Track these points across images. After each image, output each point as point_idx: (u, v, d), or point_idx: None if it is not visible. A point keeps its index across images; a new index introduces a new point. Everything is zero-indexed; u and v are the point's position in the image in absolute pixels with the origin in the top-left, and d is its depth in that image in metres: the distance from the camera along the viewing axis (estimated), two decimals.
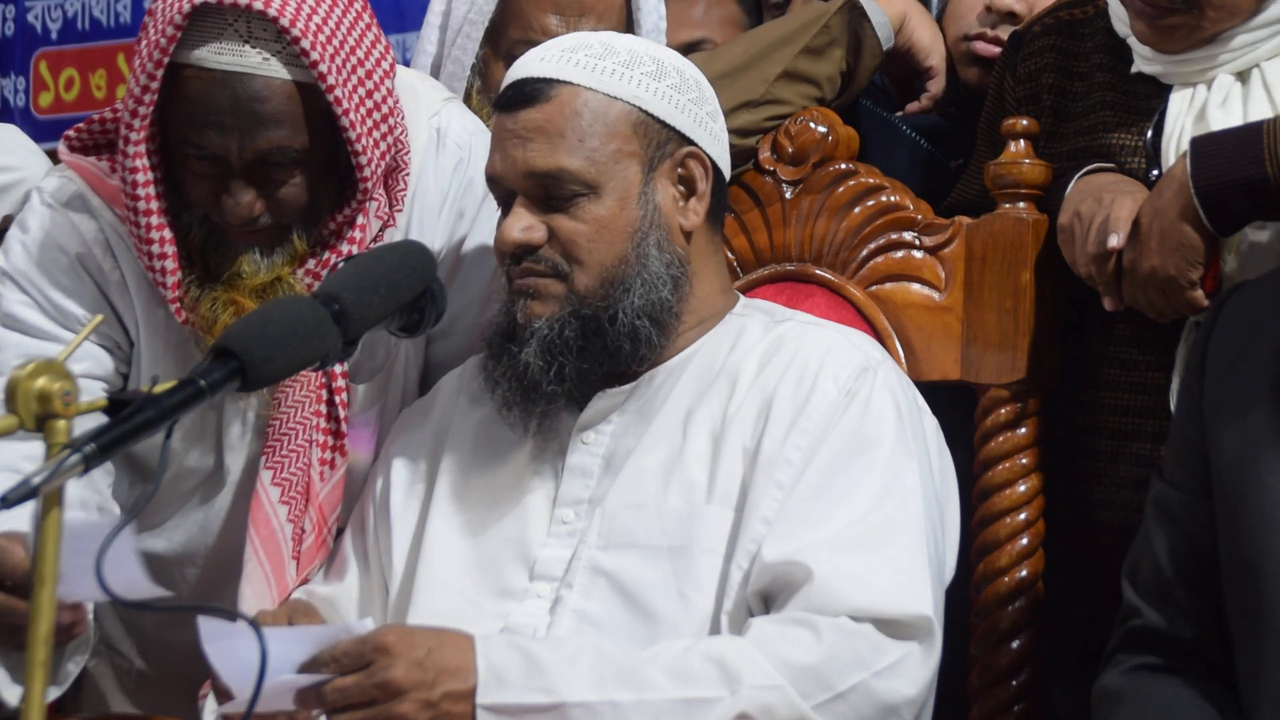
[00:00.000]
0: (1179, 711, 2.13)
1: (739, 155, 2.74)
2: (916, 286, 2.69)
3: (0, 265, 2.56)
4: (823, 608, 2.16)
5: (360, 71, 2.44)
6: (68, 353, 1.77)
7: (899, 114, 3.08)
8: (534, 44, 2.48)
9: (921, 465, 2.29)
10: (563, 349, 2.32)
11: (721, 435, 2.32)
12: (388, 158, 2.49)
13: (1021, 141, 2.63)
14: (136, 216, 2.44)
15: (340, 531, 2.56)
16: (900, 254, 2.71)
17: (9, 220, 2.67)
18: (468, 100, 2.87)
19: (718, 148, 2.44)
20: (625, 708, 2.12)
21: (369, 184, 2.46)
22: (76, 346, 1.85)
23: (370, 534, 2.49)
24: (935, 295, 2.68)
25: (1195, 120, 2.53)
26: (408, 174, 2.53)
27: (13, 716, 2.29)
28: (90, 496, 2.50)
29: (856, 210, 2.73)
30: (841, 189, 2.74)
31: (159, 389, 1.79)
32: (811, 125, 2.77)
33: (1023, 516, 2.59)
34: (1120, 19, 2.62)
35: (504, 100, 2.38)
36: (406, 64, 2.84)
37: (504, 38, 2.91)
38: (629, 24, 2.92)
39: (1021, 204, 2.63)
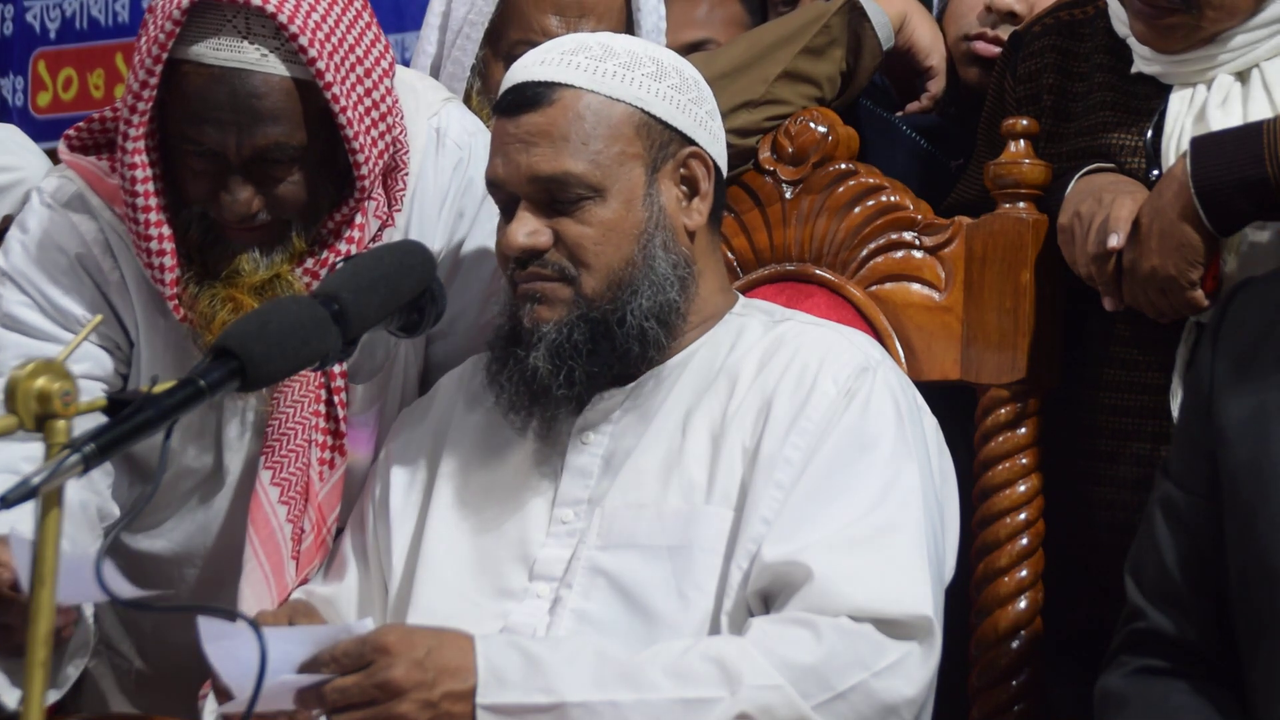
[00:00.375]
0: (1185, 718, 2.13)
1: (739, 155, 2.74)
2: (916, 286, 2.69)
3: (0, 265, 2.56)
4: (823, 608, 2.16)
5: (359, 70, 2.43)
6: (67, 353, 1.76)
7: (899, 114, 3.08)
8: (534, 45, 2.47)
9: (921, 465, 2.29)
10: (572, 353, 2.32)
11: (721, 435, 2.32)
12: (386, 157, 2.49)
13: (1021, 141, 2.63)
14: (135, 213, 2.43)
15: (340, 531, 2.56)
16: (900, 254, 2.71)
17: (9, 220, 2.67)
18: (467, 101, 2.87)
19: (717, 147, 2.44)
20: (625, 708, 2.12)
21: (367, 182, 2.46)
22: (76, 346, 1.85)
23: (369, 534, 2.49)
24: (935, 295, 2.68)
25: (1195, 120, 2.53)
26: (407, 174, 2.53)
27: (12, 718, 2.29)
28: (89, 498, 2.50)
29: (856, 210, 2.73)
30: (841, 189, 2.74)
31: (158, 389, 1.78)
32: (811, 125, 2.77)
33: (1023, 516, 2.59)
34: (1120, 19, 2.62)
35: (504, 105, 2.37)
36: (406, 64, 2.84)
37: (504, 39, 2.91)
38: (629, 25, 2.92)
39: (1021, 204, 2.63)
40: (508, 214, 2.37)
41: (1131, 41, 2.60)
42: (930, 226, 2.70)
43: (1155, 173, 2.54)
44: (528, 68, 2.38)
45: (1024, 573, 2.58)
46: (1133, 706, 2.17)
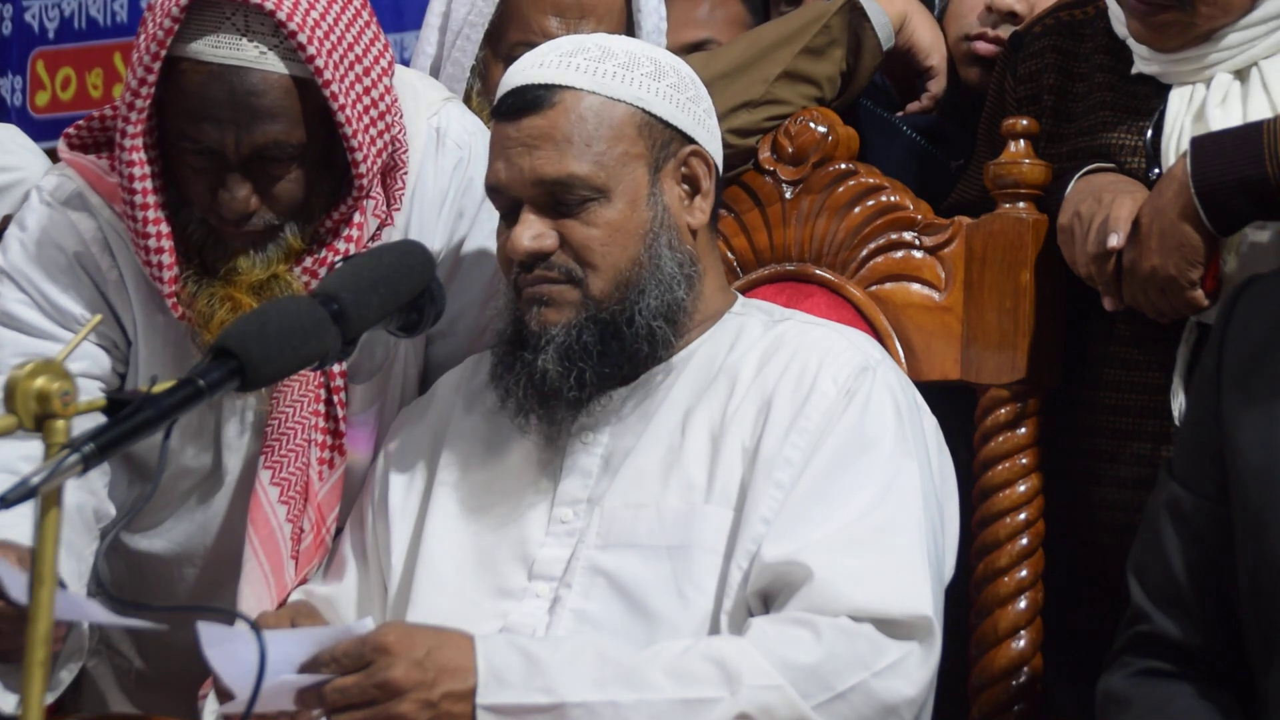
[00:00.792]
0: None
1: (739, 155, 2.74)
2: (916, 286, 2.69)
3: None
4: (822, 608, 2.16)
5: (358, 68, 2.43)
6: (67, 352, 1.76)
7: (899, 114, 3.08)
8: (534, 46, 2.46)
9: (921, 465, 2.29)
10: (582, 354, 2.32)
11: (721, 435, 2.32)
12: (385, 155, 2.49)
13: (1021, 141, 2.63)
14: (134, 210, 2.43)
15: (339, 531, 2.56)
16: (900, 254, 2.71)
17: (9, 220, 2.67)
18: (467, 102, 2.87)
19: (715, 145, 2.44)
20: (625, 708, 2.11)
21: (365, 181, 2.45)
22: (76, 346, 1.85)
23: (369, 533, 2.48)
24: (935, 295, 2.68)
25: (1194, 119, 2.53)
26: (406, 173, 2.53)
27: (11, 719, 2.29)
28: (86, 499, 2.50)
29: (856, 210, 2.73)
30: (841, 189, 2.74)
31: (158, 389, 1.78)
32: (811, 125, 2.77)
33: (1023, 516, 2.59)
34: (1120, 20, 2.62)
35: (504, 108, 2.36)
36: (406, 64, 2.83)
37: (504, 40, 2.90)
38: (629, 26, 2.92)
39: (1021, 204, 2.63)
40: (509, 218, 2.36)
41: (1131, 41, 2.60)
42: (930, 226, 2.70)
43: (1155, 172, 2.53)
44: (526, 70, 2.38)
45: (1024, 573, 2.57)
46: (1135, 708, 2.16)
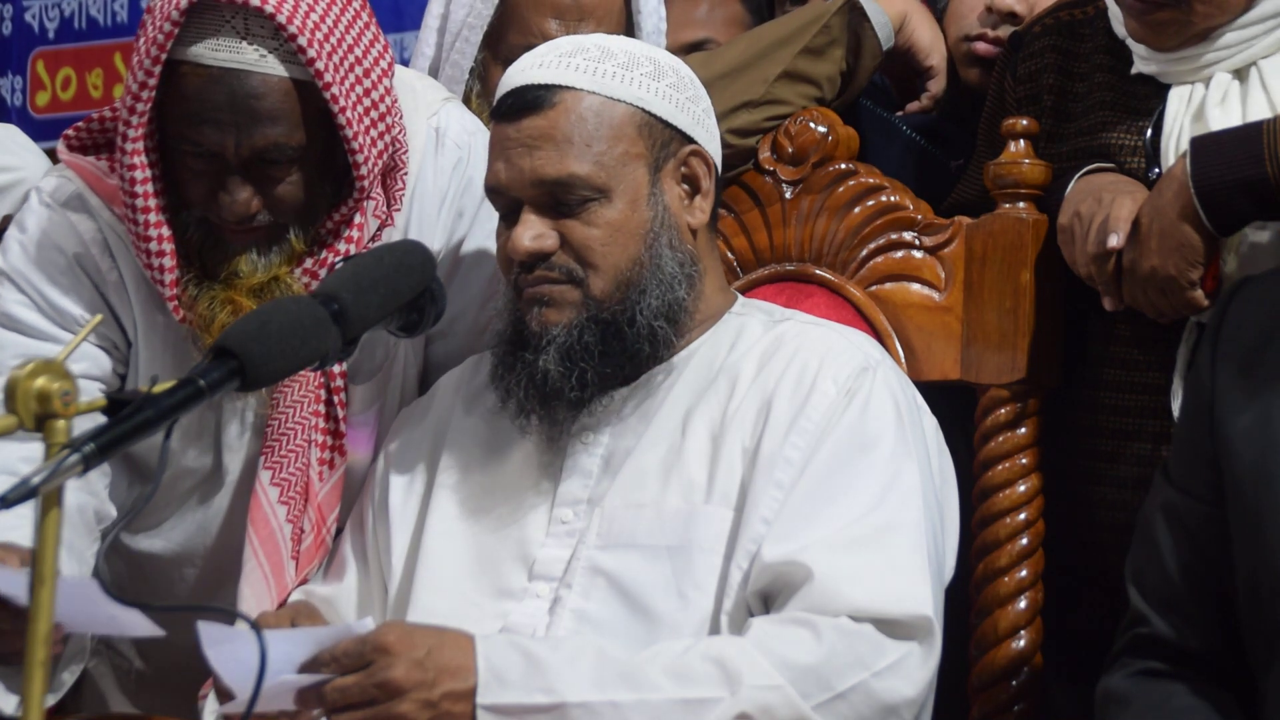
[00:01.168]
0: None
1: (738, 155, 2.74)
2: (916, 286, 2.69)
3: None
4: (823, 608, 2.16)
5: (358, 70, 2.43)
6: (67, 352, 1.76)
7: (899, 114, 3.08)
8: (534, 48, 2.46)
9: (921, 465, 2.29)
10: (583, 354, 2.32)
11: (721, 435, 2.32)
12: (385, 156, 2.49)
13: (1021, 141, 2.63)
14: (134, 214, 2.43)
15: (339, 531, 2.56)
16: (900, 254, 2.71)
17: (9, 220, 2.67)
18: (466, 103, 2.86)
19: (714, 145, 2.44)
20: (625, 708, 2.12)
21: (366, 182, 2.45)
22: (76, 346, 1.85)
23: (369, 534, 2.48)
24: (935, 295, 2.68)
25: (1193, 119, 2.53)
26: (406, 173, 2.53)
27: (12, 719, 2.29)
28: (86, 500, 2.49)
29: (856, 210, 2.73)
30: (841, 189, 2.74)
31: (158, 389, 1.78)
32: (811, 125, 2.77)
33: (1023, 516, 2.59)
34: (1119, 19, 2.62)
35: (504, 109, 2.36)
36: (405, 64, 2.83)
37: (503, 41, 2.90)
38: (629, 27, 2.91)
39: (1021, 204, 2.63)
40: (509, 219, 2.36)
41: (1130, 41, 2.60)
42: (930, 226, 2.70)
43: (1155, 172, 2.53)
44: (525, 71, 2.38)
45: (1024, 573, 2.57)
46: (1135, 707, 2.16)
